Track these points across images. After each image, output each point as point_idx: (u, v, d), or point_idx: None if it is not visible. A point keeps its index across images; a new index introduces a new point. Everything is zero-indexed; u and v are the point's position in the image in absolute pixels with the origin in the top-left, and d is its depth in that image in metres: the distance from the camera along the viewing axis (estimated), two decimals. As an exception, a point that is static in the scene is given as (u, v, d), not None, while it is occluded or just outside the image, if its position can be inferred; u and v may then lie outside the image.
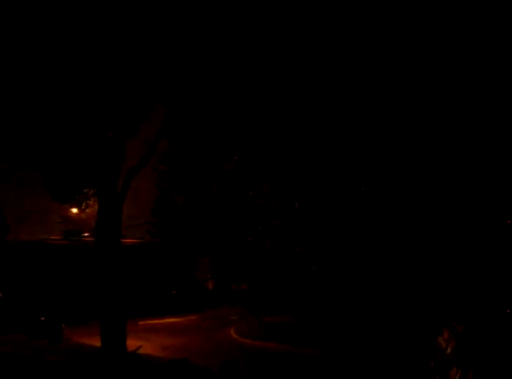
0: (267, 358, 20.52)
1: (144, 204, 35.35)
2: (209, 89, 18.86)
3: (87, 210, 30.90)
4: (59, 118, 18.23)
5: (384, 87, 18.86)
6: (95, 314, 20.47)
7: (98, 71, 17.46)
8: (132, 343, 19.43)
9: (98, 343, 19.68)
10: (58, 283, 31.57)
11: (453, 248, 17.25)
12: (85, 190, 22.33)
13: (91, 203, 25.48)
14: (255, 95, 19.94)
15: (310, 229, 23.40)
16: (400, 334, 17.33)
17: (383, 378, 13.84)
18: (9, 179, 24.60)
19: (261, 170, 23.57)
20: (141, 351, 19.11)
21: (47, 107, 18.00)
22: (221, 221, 32.35)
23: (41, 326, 25.69)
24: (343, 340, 20.38)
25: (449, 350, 13.13)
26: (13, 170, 23.41)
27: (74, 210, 32.72)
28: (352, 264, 21.39)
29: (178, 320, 30.95)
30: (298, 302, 25.47)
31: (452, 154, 17.93)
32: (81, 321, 26.27)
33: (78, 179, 20.68)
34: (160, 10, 17.00)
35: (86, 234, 33.16)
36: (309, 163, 21.42)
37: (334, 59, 19.22)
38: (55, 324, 25.56)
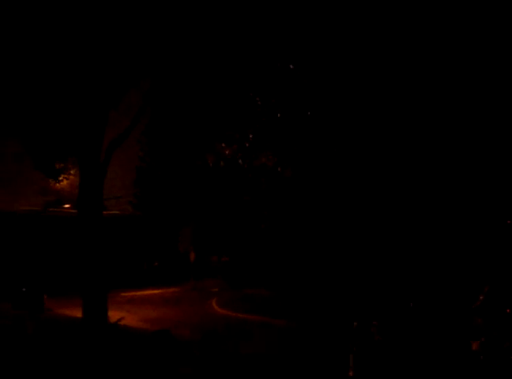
0: (246, 329, 20.70)
1: (126, 176, 35.26)
2: (195, 62, 18.80)
3: (68, 181, 30.81)
4: (42, 86, 18.10)
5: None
6: (77, 286, 20.51)
7: (83, 39, 17.31)
8: (114, 315, 19.48)
9: (79, 315, 19.75)
10: (40, 255, 31.53)
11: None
12: (67, 161, 22.24)
13: (72, 174, 25.39)
14: (240, 66, 19.93)
15: (292, 204, 23.51)
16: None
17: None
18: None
19: (246, 142, 23.55)
20: (122, 323, 19.16)
21: (30, 74, 17.85)
22: (203, 194, 32.38)
23: (23, 297, 25.69)
24: (317, 312, 20.74)
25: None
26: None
27: (55, 181, 32.59)
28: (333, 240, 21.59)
29: (159, 291, 31.05)
30: (275, 275, 25.78)
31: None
32: (63, 293, 26.29)
33: (60, 149, 20.61)
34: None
35: (67, 206, 33.08)
36: (299, 134, 21.45)
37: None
38: (37, 295, 25.55)
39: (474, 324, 13.10)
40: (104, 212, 20.39)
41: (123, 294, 28.11)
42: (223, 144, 23.55)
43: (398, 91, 19.00)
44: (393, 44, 18.74)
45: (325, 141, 21.32)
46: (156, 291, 31.03)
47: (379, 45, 18.92)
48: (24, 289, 26.15)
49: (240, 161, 24.09)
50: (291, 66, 21.10)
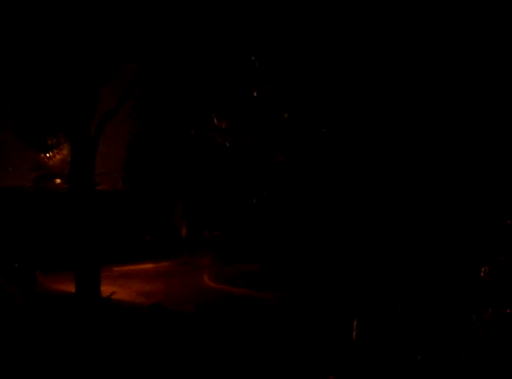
0: (238, 303, 20.83)
1: (117, 151, 35.16)
2: (185, 36, 18.71)
3: (60, 156, 30.67)
4: (34, 62, 18.00)
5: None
6: (69, 261, 20.54)
7: (74, 16, 17.20)
8: (106, 289, 19.55)
9: (72, 290, 19.80)
10: (32, 230, 31.49)
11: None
12: (58, 136, 22.16)
13: (64, 149, 25.24)
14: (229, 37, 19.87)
15: (284, 179, 23.50)
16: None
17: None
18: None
19: (238, 116, 23.49)
20: (115, 297, 19.24)
21: (22, 51, 17.74)
22: (194, 169, 32.31)
23: (15, 273, 25.71)
24: (308, 287, 20.88)
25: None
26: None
27: (47, 156, 32.52)
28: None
29: (151, 266, 31.10)
30: (268, 250, 25.87)
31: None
32: (56, 268, 26.27)
33: (51, 124, 20.52)
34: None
35: (58, 181, 32.99)
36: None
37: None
38: (29, 270, 25.58)
39: (475, 301, 13.22)
40: (96, 187, 20.37)
41: (116, 268, 28.15)
42: (213, 115, 23.44)
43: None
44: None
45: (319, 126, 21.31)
46: (148, 266, 31.09)
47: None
48: (16, 265, 26.19)
49: (229, 141, 24.08)
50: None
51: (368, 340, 12.47)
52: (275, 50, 21.27)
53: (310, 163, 22.29)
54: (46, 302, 19.90)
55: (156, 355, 12.84)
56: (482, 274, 13.84)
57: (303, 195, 23.05)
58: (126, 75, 20.03)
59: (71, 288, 19.86)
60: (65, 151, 30.93)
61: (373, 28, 18.83)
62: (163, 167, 35.67)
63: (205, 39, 19.22)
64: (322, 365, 11.86)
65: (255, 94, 22.30)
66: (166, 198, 37.27)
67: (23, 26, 17.21)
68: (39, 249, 29.51)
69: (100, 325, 15.51)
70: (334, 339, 13.41)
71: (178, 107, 27.75)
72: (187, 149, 33.46)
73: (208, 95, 22.90)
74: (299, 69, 21.31)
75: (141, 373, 12.07)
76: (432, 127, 18.76)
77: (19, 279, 24.89)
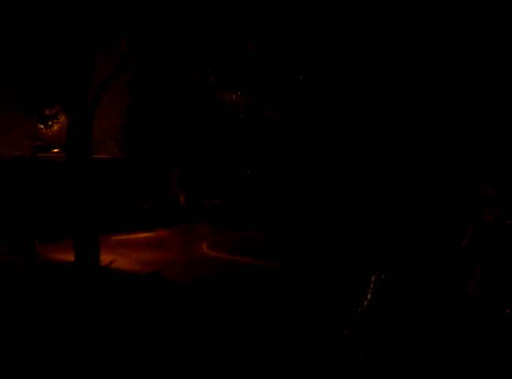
0: (237, 271, 20.91)
1: (115, 120, 35.04)
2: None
3: (58, 125, 30.58)
4: (29, 29, 17.89)
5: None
6: (68, 231, 20.61)
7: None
8: (105, 258, 19.63)
9: (71, 259, 19.91)
10: (31, 200, 31.53)
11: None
12: (56, 106, 22.09)
13: (62, 119, 25.16)
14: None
15: (287, 144, 23.38)
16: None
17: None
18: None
19: (235, 80, 23.29)
20: (114, 265, 19.32)
21: (18, 18, 17.62)
22: (193, 136, 32.22)
23: (15, 242, 25.81)
24: (311, 254, 20.87)
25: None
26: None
27: (45, 126, 32.40)
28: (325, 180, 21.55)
29: (150, 234, 31.18)
30: (269, 217, 25.77)
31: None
32: (55, 238, 26.37)
33: (48, 93, 20.46)
34: None
35: (56, 150, 32.93)
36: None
37: None
38: (29, 240, 25.67)
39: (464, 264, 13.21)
40: (93, 156, 20.38)
41: (114, 237, 28.23)
42: (209, 70, 23.15)
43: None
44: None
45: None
46: (146, 234, 31.17)
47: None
48: (16, 234, 26.27)
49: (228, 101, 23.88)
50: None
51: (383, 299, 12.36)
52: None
53: (313, 129, 22.17)
54: (46, 270, 19.98)
55: (153, 323, 12.94)
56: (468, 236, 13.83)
57: (309, 161, 22.89)
58: (123, 43, 19.92)
59: (70, 257, 19.98)
60: (62, 121, 30.85)
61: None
62: (160, 136, 35.62)
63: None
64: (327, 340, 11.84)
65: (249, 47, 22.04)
66: (164, 167, 37.29)
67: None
68: (38, 219, 29.57)
69: (100, 293, 15.60)
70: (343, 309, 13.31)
71: (175, 74, 27.59)
72: (185, 117, 33.36)
73: (205, 58, 22.68)
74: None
75: (139, 340, 12.17)
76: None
77: (19, 249, 24.99)
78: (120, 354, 11.64)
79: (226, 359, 11.48)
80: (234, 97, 23.38)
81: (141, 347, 11.89)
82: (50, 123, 31.59)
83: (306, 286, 17.09)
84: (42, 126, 32.75)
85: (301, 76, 21.22)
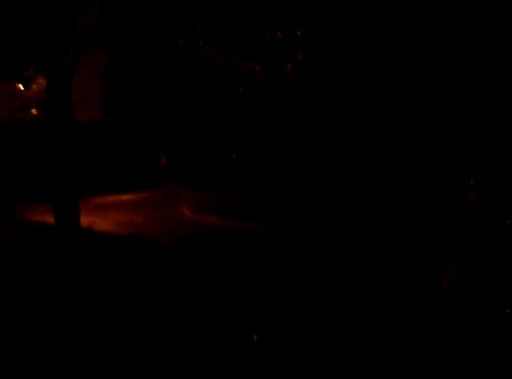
0: (218, 233, 21.03)
1: (95, 82, 34.67)
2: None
3: (36, 87, 30.25)
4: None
5: None
6: (48, 193, 20.53)
7: None
8: (85, 220, 19.63)
9: (51, 221, 19.87)
10: (9, 161, 31.28)
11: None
12: (35, 67, 21.84)
13: (39, 79, 24.90)
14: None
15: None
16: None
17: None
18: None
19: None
20: (94, 227, 19.34)
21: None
22: (174, 97, 32.02)
23: (-7, 204, 25.72)
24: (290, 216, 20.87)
25: None
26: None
27: (24, 87, 32.01)
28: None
29: (131, 197, 31.12)
30: (249, 179, 25.72)
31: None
32: (34, 200, 26.26)
33: (27, 54, 20.22)
34: None
35: (34, 111, 32.60)
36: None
37: None
38: (8, 202, 25.59)
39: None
40: (74, 117, 20.25)
41: (95, 199, 28.15)
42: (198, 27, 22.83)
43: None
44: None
45: None
46: (127, 197, 31.11)
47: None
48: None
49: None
50: None
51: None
52: None
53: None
54: (26, 232, 19.97)
55: (135, 283, 13.03)
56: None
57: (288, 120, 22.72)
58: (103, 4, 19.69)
59: (50, 219, 19.93)
60: (41, 82, 30.50)
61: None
62: (142, 99, 35.33)
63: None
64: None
65: None
66: (145, 130, 37.04)
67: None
68: (17, 181, 29.40)
69: (82, 255, 15.65)
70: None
71: (156, 35, 27.28)
72: (167, 80, 33.11)
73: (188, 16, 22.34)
74: None
75: (122, 299, 12.27)
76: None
77: (-2, 211, 24.93)
78: (104, 314, 11.74)
79: (207, 316, 11.61)
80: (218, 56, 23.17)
81: (124, 305, 11.99)
82: (28, 84, 31.25)
83: (283, 247, 17.19)
84: (21, 88, 32.38)
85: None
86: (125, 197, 30.65)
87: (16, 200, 25.75)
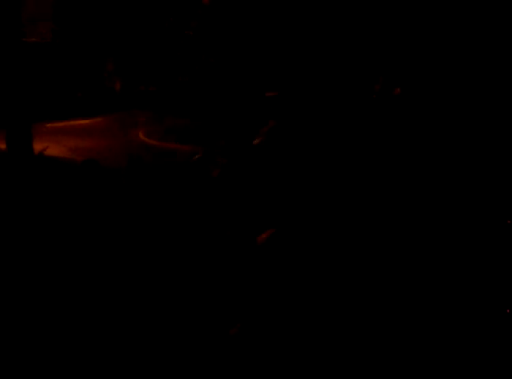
0: (172, 157, 20.92)
1: (46, 2, 33.61)
2: None
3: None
4: None
5: None
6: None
7: None
8: (39, 146, 19.24)
9: (2, 147, 19.45)
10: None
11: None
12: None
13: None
14: None
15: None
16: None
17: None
18: None
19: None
20: (48, 153, 19.01)
21: None
22: (129, 19, 31.23)
23: None
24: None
25: None
26: None
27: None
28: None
29: (86, 122, 30.62)
30: (202, 104, 25.48)
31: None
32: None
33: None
34: None
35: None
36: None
37: None
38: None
39: None
40: (24, 39, 19.60)
41: (48, 125, 27.64)
42: None
43: None
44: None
45: None
46: (82, 122, 30.60)
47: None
48: None
49: None
50: None
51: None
52: None
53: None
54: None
55: (90, 209, 12.92)
56: None
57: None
58: None
59: (2, 146, 19.52)
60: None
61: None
62: (94, 20, 34.37)
63: None
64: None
65: None
66: (99, 52, 36.17)
67: None
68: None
69: (34, 181, 15.42)
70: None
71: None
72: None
73: None
74: None
75: (75, 227, 12.17)
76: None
77: None
78: (58, 242, 11.64)
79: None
80: None
81: (78, 231, 11.91)
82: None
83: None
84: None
85: None
86: (79, 122, 30.12)
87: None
